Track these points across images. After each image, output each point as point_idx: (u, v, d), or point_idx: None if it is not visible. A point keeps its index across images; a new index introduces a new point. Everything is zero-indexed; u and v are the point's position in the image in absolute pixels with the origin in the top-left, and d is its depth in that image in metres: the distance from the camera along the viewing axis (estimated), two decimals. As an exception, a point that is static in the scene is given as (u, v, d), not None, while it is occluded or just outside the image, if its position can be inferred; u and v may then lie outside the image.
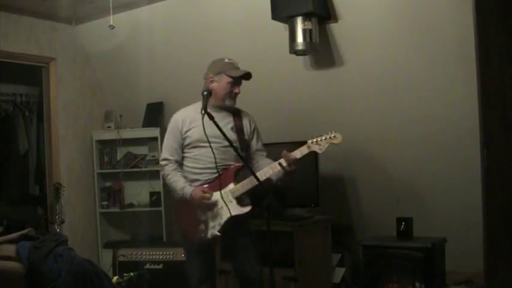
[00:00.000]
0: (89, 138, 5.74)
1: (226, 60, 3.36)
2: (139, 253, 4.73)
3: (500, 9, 2.91)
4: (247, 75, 3.35)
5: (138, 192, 5.73)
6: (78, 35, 5.54)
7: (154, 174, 5.56)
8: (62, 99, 5.51)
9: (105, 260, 5.43)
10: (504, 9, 2.90)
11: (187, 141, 3.34)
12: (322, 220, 4.36)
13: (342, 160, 4.52)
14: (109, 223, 5.83)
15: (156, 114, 5.56)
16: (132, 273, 4.36)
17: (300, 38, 4.00)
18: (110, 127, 5.75)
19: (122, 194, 5.73)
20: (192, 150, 3.33)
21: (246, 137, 3.40)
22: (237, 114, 3.42)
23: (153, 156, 5.57)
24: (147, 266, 4.65)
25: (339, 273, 4.41)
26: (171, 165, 3.36)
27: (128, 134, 5.64)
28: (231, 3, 4.52)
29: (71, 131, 5.62)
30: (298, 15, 3.96)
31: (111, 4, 4.44)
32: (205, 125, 3.10)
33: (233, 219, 3.21)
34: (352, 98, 4.34)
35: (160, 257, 4.67)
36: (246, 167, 3.18)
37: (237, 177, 3.28)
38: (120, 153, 5.73)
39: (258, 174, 3.13)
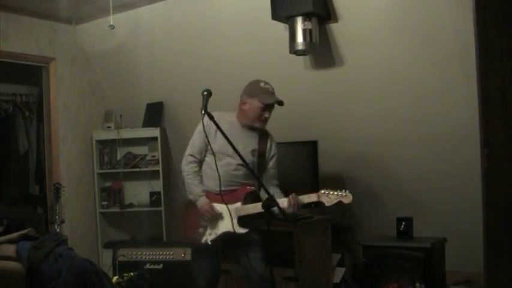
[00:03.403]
0: (89, 138, 5.75)
1: (262, 85, 3.40)
2: (139, 253, 4.72)
3: (500, 9, 2.92)
4: (279, 103, 3.39)
5: (138, 192, 5.74)
6: (78, 35, 5.54)
7: (154, 174, 5.56)
8: (62, 99, 5.51)
9: (105, 260, 5.43)
10: (504, 10, 2.90)
11: (209, 147, 3.40)
12: (322, 220, 4.36)
13: (342, 160, 4.53)
14: (109, 223, 5.83)
15: (156, 114, 5.56)
16: (132, 273, 4.35)
17: (300, 38, 4.00)
18: (110, 127, 5.75)
19: (122, 194, 5.74)
20: (211, 157, 3.37)
21: (264, 162, 3.47)
22: (263, 137, 3.48)
23: (153, 156, 5.57)
24: (147, 266, 4.64)
25: (339, 273, 4.41)
26: (195, 165, 3.46)
27: (127, 134, 5.64)
28: (231, 3, 4.52)
29: (71, 131, 5.62)
30: (298, 15, 3.96)
31: (111, 4, 4.44)
32: (226, 142, 3.18)
33: (229, 234, 3.35)
34: (352, 98, 4.34)
35: (160, 257, 4.66)
36: (265, 191, 3.22)
37: (247, 199, 3.37)
38: (120, 153, 5.73)
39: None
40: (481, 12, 2.95)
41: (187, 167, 3.47)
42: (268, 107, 3.39)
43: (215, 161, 3.26)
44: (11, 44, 5.00)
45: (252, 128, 3.44)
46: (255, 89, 3.40)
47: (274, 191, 3.42)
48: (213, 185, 3.38)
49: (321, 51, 4.17)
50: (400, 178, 4.30)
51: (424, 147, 4.13)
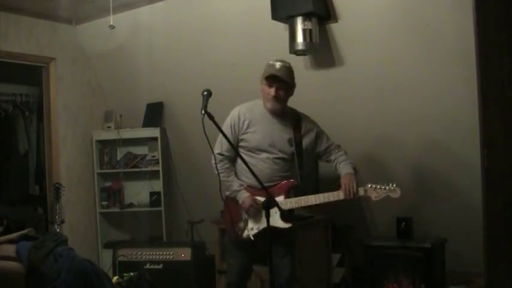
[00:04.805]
0: (89, 138, 5.75)
1: (271, 62, 3.31)
2: (139, 253, 4.73)
3: (500, 9, 2.91)
4: (274, 76, 3.25)
5: (138, 192, 5.73)
6: (78, 35, 5.54)
7: (154, 174, 5.56)
8: (62, 99, 5.51)
9: (105, 260, 5.43)
10: (504, 9, 2.90)
11: (243, 144, 3.32)
12: (322, 220, 4.36)
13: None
14: (109, 223, 5.84)
15: (156, 114, 5.56)
16: (132, 273, 4.36)
17: (300, 38, 4.00)
18: (110, 127, 5.75)
19: (122, 194, 5.74)
20: (247, 153, 3.29)
21: (305, 149, 3.36)
22: (297, 122, 3.36)
23: (153, 156, 5.57)
24: (147, 266, 4.65)
25: (339, 273, 4.41)
26: (226, 161, 3.32)
27: (127, 134, 5.64)
28: (231, 3, 4.52)
29: (71, 131, 5.62)
30: (298, 15, 3.96)
31: (111, 4, 4.44)
32: (264, 133, 3.17)
33: (271, 229, 3.18)
34: (352, 98, 4.34)
35: (160, 257, 4.67)
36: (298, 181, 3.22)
37: (290, 192, 3.28)
38: (120, 153, 5.74)
39: (312, 197, 3.20)
40: (481, 12, 2.95)
41: (218, 165, 3.31)
42: (274, 84, 3.25)
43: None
44: (11, 44, 5.00)
45: (281, 115, 3.33)
46: (265, 69, 3.31)
47: (343, 158, 3.38)
48: (252, 181, 3.24)
49: (321, 51, 4.17)
50: (400, 178, 4.28)
51: (424, 147, 4.13)
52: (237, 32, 4.59)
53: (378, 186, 3.18)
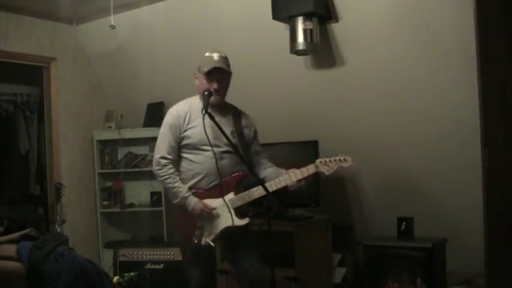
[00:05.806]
0: (89, 138, 5.75)
1: (207, 54, 3.18)
2: (140, 253, 4.73)
3: (500, 9, 2.92)
4: (218, 69, 3.13)
5: (138, 192, 5.74)
6: (79, 35, 5.54)
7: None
8: (62, 99, 5.51)
9: (106, 260, 5.43)
10: (504, 10, 2.90)
11: (185, 142, 3.15)
12: (323, 220, 4.36)
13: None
14: (110, 223, 5.84)
15: (156, 114, 5.56)
16: (132, 273, 4.36)
17: (300, 38, 3.99)
18: (110, 127, 5.75)
19: (123, 194, 5.74)
20: (191, 152, 3.15)
21: (247, 141, 3.25)
22: (237, 116, 3.26)
23: (154, 156, 5.57)
24: (148, 266, 4.65)
25: (340, 273, 4.41)
26: (170, 166, 3.15)
27: (128, 134, 5.64)
28: (231, 3, 4.52)
29: (72, 131, 5.62)
30: (299, 15, 3.96)
31: (111, 4, 4.44)
32: (206, 127, 2.98)
33: (229, 229, 3.10)
34: (352, 98, 4.34)
35: (161, 257, 4.67)
36: (252, 176, 3.05)
37: (239, 186, 3.15)
38: (121, 153, 5.74)
39: (261, 188, 3.04)
40: (481, 12, 2.95)
41: (161, 171, 3.15)
42: (214, 76, 3.12)
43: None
44: (11, 44, 5.00)
45: (220, 108, 3.17)
46: (201, 61, 3.17)
47: (272, 168, 3.26)
48: (198, 181, 3.13)
49: (322, 51, 4.17)
50: (401, 178, 4.30)
51: (424, 147, 4.13)
52: (237, 32, 4.59)
53: (328, 160, 3.09)
